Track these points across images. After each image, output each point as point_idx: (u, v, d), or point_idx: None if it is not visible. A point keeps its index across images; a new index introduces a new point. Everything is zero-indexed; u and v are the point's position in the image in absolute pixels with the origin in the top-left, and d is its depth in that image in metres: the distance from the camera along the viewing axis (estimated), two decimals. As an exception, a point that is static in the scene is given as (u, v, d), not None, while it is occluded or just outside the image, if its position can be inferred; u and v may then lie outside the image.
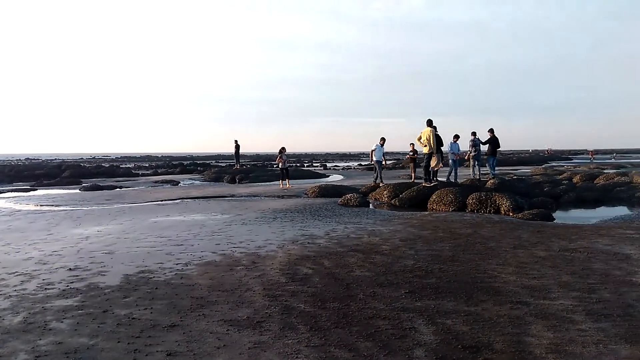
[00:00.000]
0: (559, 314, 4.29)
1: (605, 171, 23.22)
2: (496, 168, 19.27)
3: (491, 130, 17.96)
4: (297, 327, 4.08)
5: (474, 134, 18.59)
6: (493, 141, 17.81)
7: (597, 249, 6.95)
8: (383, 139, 18.73)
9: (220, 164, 47.99)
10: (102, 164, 49.02)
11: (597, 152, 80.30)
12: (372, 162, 18.80)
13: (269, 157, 79.16)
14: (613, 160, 48.77)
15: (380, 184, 17.04)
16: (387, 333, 3.94)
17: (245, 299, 4.90)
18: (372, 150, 18.09)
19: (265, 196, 16.46)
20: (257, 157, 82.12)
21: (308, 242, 7.80)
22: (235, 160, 31.96)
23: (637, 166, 31.75)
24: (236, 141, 29.66)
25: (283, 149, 20.07)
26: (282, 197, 16.22)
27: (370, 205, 14.21)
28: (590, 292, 4.86)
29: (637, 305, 4.44)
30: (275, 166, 31.91)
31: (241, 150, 30.61)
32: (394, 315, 4.35)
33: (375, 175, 18.36)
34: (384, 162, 19.51)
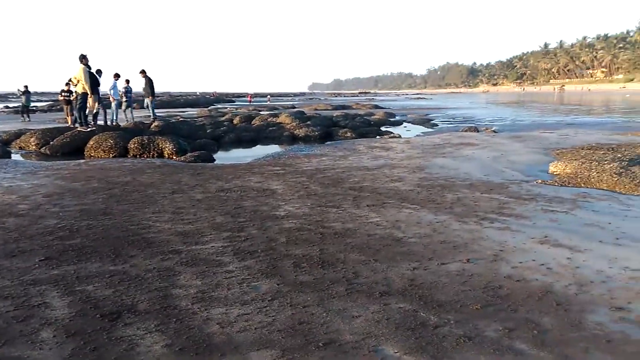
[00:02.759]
0: (209, 258, 4.27)
1: (261, 113, 25.66)
2: (164, 110, 19.06)
3: (143, 72, 17.47)
4: None
5: (127, 81, 17.80)
6: (149, 82, 17.51)
7: (249, 186, 7.41)
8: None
9: None
10: None
11: (255, 95, 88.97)
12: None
13: None
14: (268, 103, 54.77)
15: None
16: (6, 317, 3.15)
17: None
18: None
19: None
20: None
21: None
22: None
23: (287, 108, 36.40)
24: None
25: None
26: None
27: (14, 155, 11.98)
28: (239, 231, 5.05)
29: (278, 238, 4.80)
30: None
31: None
32: (20, 292, 3.54)
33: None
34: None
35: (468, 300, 3.41)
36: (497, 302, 3.38)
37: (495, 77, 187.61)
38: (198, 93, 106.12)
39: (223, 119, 21.43)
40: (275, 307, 3.30)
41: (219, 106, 46.55)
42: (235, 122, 20.12)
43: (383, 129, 19.48)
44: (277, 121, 19.47)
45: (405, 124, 23.36)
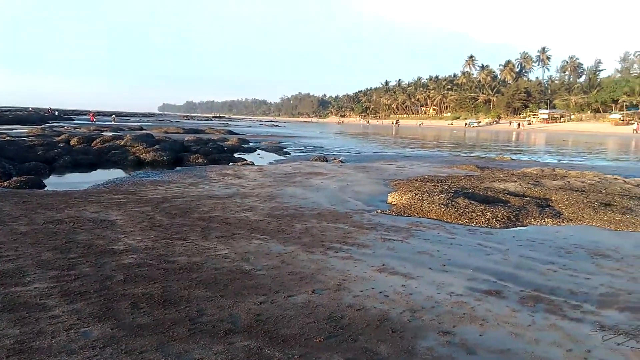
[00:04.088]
0: (31, 301, 3.77)
1: (104, 133, 23.92)
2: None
3: None
4: None
5: None
6: None
7: (84, 217, 6.77)
8: None
9: None
10: None
11: (98, 113, 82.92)
12: None
13: None
14: (113, 123, 51.39)
15: None
16: None
17: None
18: None
19: None
20: None
21: None
22: None
23: (134, 129, 34.42)
24: None
25: None
26: None
27: None
28: (69, 269, 4.55)
29: (114, 276, 4.43)
30: None
31: None
32: None
33: None
34: None
35: (312, 332, 3.46)
36: (339, 332, 3.49)
37: (343, 109, 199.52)
38: (30, 109, 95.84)
39: (58, 139, 19.51)
40: (108, 355, 3.01)
41: (55, 124, 42.46)
42: (72, 143, 18.45)
43: (236, 155, 19.39)
44: (122, 143, 18.23)
45: (258, 150, 23.57)
